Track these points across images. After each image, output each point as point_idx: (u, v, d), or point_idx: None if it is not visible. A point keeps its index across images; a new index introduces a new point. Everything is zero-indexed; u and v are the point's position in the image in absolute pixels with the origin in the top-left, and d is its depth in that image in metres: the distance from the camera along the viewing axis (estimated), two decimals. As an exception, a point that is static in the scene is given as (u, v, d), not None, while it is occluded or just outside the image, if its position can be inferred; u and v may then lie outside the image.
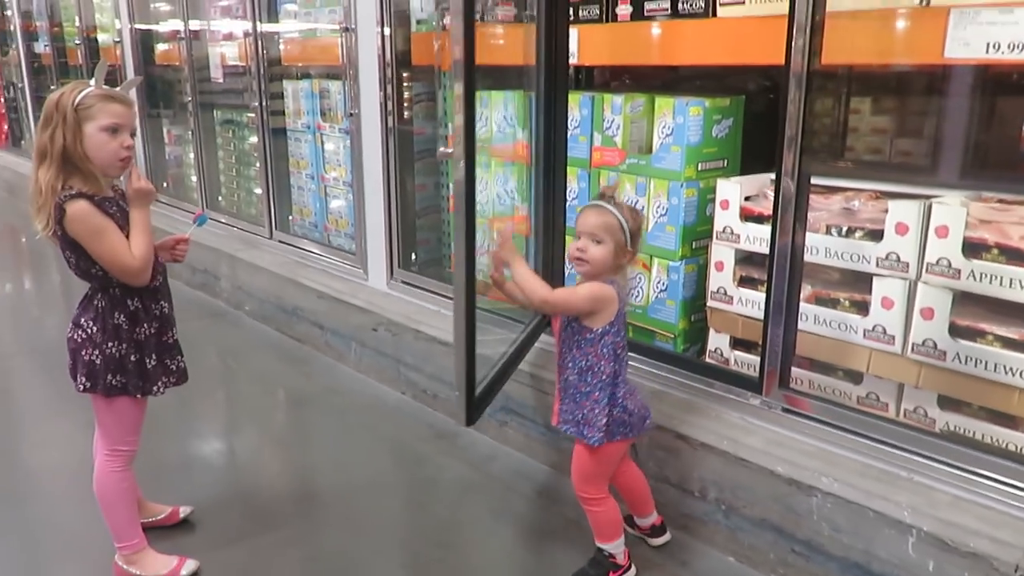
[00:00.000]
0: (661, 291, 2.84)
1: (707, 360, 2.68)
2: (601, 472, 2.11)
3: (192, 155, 5.54)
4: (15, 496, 2.63)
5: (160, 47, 5.85)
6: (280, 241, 4.63)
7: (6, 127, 9.63)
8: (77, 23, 6.77)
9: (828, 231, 2.35)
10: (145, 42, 5.83)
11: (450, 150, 2.18)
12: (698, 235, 2.78)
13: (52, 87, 7.57)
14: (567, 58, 2.77)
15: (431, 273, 3.78)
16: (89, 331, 2.02)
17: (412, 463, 2.86)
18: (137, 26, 5.73)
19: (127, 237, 1.98)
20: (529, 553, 2.33)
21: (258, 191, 4.88)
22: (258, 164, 4.80)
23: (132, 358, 2.05)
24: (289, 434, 3.19)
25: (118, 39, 5.91)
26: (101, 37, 6.58)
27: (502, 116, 3.30)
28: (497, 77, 3.41)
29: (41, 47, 7.84)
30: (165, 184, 6.02)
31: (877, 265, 2.23)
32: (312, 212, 4.57)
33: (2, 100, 9.22)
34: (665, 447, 2.37)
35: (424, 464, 2.84)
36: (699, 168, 2.74)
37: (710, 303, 2.66)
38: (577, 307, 2.03)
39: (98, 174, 1.97)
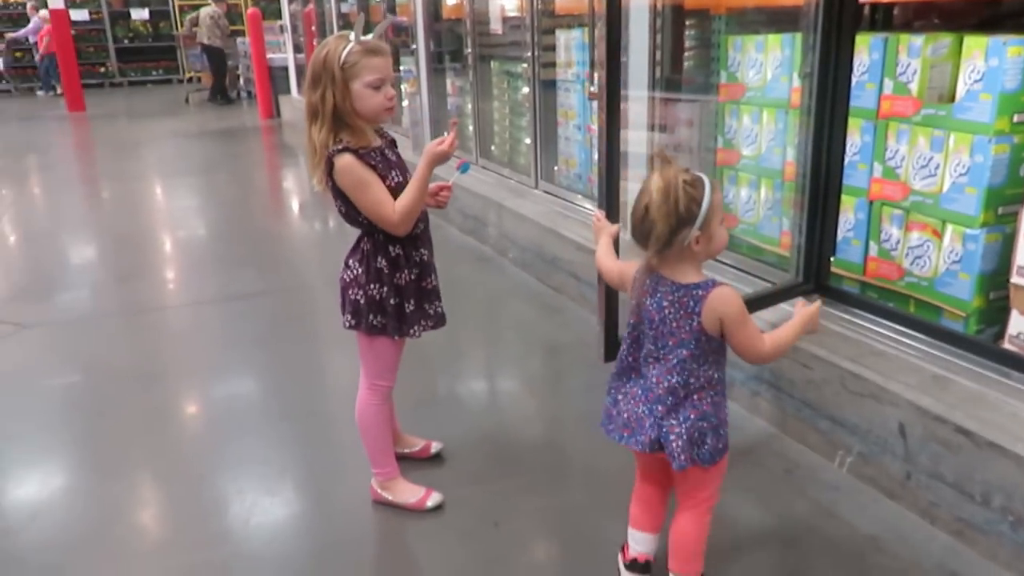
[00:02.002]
0: (953, 262, 2.47)
1: (1005, 346, 2.30)
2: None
3: (470, 105, 5.78)
4: (302, 412, 2.96)
5: (448, 2, 6.14)
6: (545, 191, 4.71)
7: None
8: (378, -18, 7.32)
9: None
10: (435, -1, 6.15)
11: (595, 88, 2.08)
12: (1007, 199, 2.37)
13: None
14: (855, -7, 2.45)
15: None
16: (355, 272, 2.15)
17: (657, 424, 2.78)
18: (428, -17, 6.05)
19: (391, 185, 2.04)
20: (771, 538, 2.17)
21: (527, 141, 4.98)
22: (528, 114, 4.89)
23: (392, 301, 2.13)
24: (539, 382, 3.26)
25: (411, -4, 6.29)
26: (398, -6, 7.05)
27: (778, 62, 3.04)
28: (776, 19, 3.14)
29: (347, 6, 8.58)
30: (445, 133, 6.35)
31: None
32: (577, 163, 4.58)
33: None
34: (943, 441, 2.07)
35: (669, 427, 2.75)
36: (1014, 120, 2.32)
37: (1015, 279, 2.26)
38: None
39: (365, 128, 2.04)
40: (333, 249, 5.26)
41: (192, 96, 14.93)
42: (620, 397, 1.80)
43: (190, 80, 16.42)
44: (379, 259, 2.12)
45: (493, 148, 5.64)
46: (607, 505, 2.33)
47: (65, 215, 6.58)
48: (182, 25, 15.84)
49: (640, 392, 1.75)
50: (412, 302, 2.16)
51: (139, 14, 18.62)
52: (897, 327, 2.49)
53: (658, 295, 1.69)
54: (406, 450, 2.54)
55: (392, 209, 2.02)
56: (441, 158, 2.05)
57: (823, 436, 2.46)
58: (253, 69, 12.17)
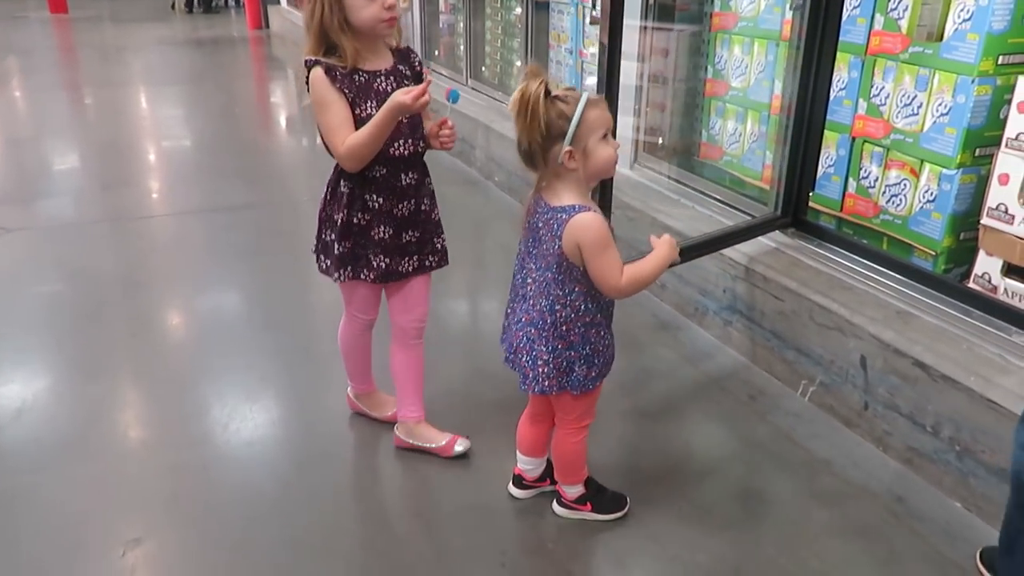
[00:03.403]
0: (928, 202, 2.51)
1: (970, 285, 2.36)
2: None
3: (461, 24, 5.68)
4: (284, 323, 3.01)
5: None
6: (534, 115, 4.69)
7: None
8: None
9: None
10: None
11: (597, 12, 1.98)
12: (985, 141, 2.40)
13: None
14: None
15: (677, 160, 3.64)
16: (322, 200, 2.07)
17: (632, 350, 2.84)
18: None
19: (362, 115, 1.88)
20: (731, 460, 2.26)
21: (518, 63, 4.92)
22: (520, 36, 4.82)
23: (330, 238, 2.04)
24: (518, 304, 3.31)
25: (405, -94, 6.10)
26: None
27: (772, -8, 3.01)
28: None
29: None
30: (436, 52, 6.26)
31: None
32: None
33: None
34: (901, 373, 2.15)
35: (643, 353, 2.83)
36: (999, 61, 2.33)
37: (985, 220, 2.31)
38: None
39: (348, 48, 1.86)
40: (320, 164, 5.23)
41: (179, 2, 14.52)
42: (510, 313, 1.85)
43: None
44: (329, 192, 2.03)
45: (484, 70, 5.56)
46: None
47: (48, 120, 6.48)
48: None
49: (520, 312, 1.78)
50: (346, 244, 2.02)
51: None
52: (868, 263, 2.54)
53: (536, 215, 1.70)
54: (428, 445, 2.25)
55: (342, 141, 1.87)
56: (403, 109, 1.80)
57: (789, 366, 2.54)
58: (242, -24, 11.83)
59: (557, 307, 1.70)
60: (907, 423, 2.15)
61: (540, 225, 1.68)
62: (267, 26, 11.74)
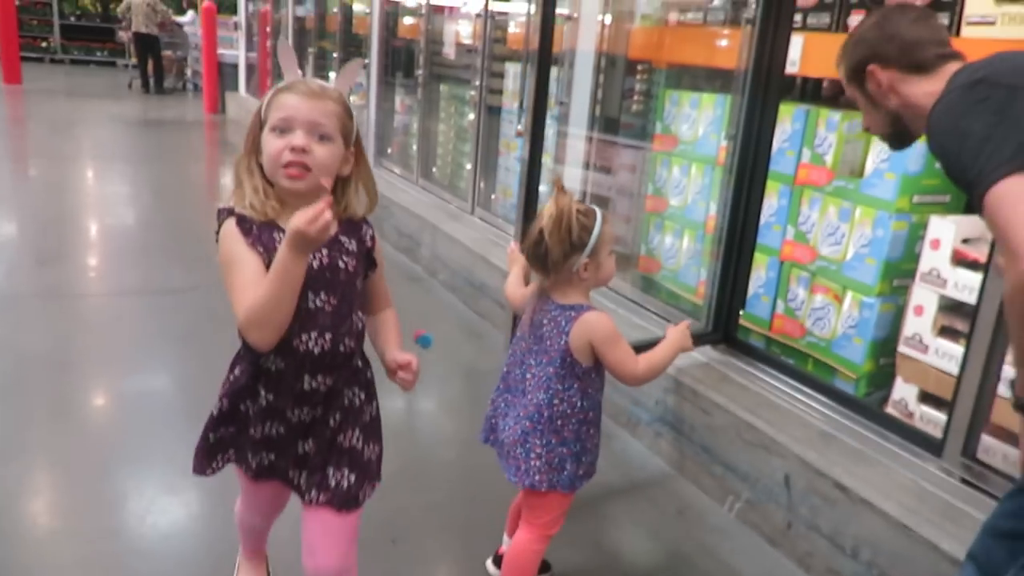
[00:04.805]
0: (850, 327, 2.64)
1: (888, 410, 2.46)
2: None
3: (416, 125, 5.85)
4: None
5: (404, 20, 6.21)
6: (480, 218, 4.80)
7: (269, 82, 10.63)
8: (338, -8, 7.35)
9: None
10: (392, 15, 6.21)
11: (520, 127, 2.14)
12: (901, 273, 2.55)
13: (310, 48, 8.27)
14: (783, 66, 2.62)
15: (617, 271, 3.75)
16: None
17: (563, 456, 2.86)
18: (387, -1, 6.13)
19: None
20: (657, 574, 2.26)
21: (468, 167, 5.07)
22: (471, 141, 4.99)
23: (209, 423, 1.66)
24: (456, 405, 3.31)
25: (369, 10, 6.34)
26: (356, 7, 7.09)
27: (710, 120, 3.20)
28: (711, 79, 3.30)
29: (304, 11, 8.58)
30: (389, 150, 6.41)
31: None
32: (514, 194, 4.67)
33: (268, 56, 10.17)
34: (822, 494, 2.20)
35: (574, 459, 2.84)
36: (913, 200, 2.50)
37: (902, 348, 2.44)
38: None
39: (252, 192, 1.47)
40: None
41: (135, 82, 14.60)
42: (499, 408, 1.91)
43: (135, 66, 16.05)
44: (235, 365, 1.62)
45: (435, 170, 5.71)
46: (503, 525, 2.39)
47: (-12, 189, 6.37)
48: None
49: (518, 407, 1.84)
50: (226, 429, 1.64)
51: (89, -8, 18.21)
52: (794, 383, 2.63)
53: (541, 313, 1.81)
54: None
55: (240, 306, 1.41)
56: (303, 240, 1.31)
57: (716, 480, 2.58)
58: (202, 62, 12.03)
59: (555, 401, 1.78)
60: (828, 544, 2.19)
61: (545, 322, 1.79)
62: (223, 111, 11.86)
